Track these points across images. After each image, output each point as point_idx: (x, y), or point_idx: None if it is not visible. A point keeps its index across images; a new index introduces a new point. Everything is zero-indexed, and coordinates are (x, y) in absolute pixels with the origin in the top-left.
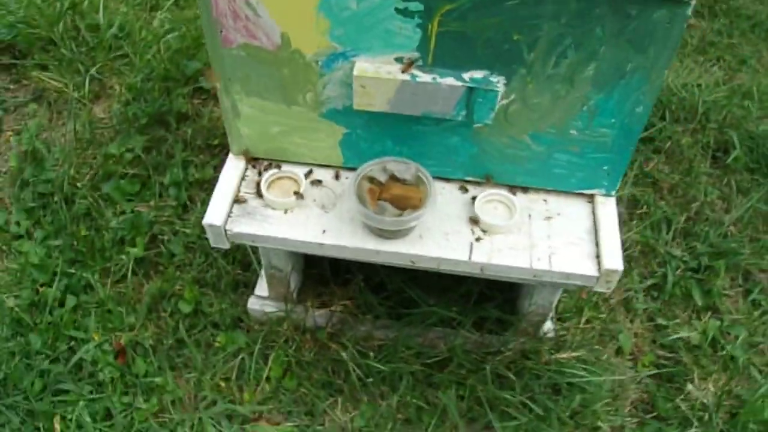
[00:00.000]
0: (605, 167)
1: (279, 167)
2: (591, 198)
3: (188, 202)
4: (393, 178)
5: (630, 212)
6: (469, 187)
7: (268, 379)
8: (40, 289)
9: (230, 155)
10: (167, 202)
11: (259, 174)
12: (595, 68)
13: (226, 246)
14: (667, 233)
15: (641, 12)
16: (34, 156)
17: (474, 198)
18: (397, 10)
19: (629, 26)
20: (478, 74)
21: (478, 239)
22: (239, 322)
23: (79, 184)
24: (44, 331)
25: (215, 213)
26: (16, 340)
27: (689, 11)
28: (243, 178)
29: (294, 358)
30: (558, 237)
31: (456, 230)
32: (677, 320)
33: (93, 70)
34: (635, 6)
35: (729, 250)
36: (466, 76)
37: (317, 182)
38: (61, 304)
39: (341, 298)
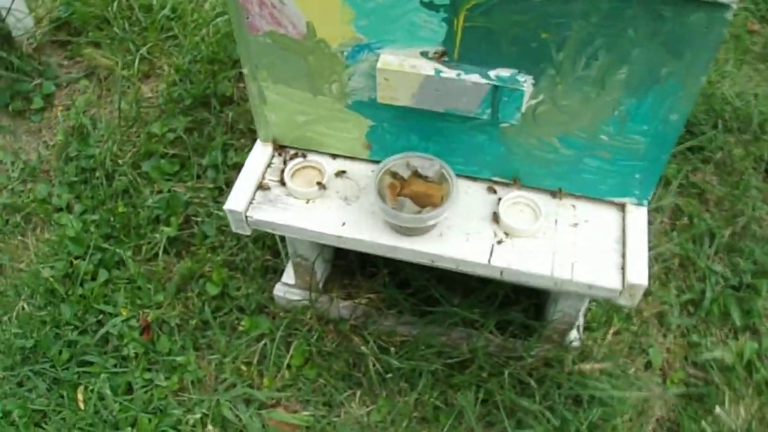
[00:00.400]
0: (637, 175)
1: (305, 156)
2: (622, 207)
3: (225, 186)
4: (416, 174)
5: (672, 223)
6: (497, 188)
7: (288, 366)
8: (75, 262)
9: (258, 142)
10: (204, 183)
11: (284, 162)
12: (628, 71)
13: (247, 232)
14: (710, 247)
15: (676, 14)
16: (80, 131)
17: (500, 199)
18: (422, 3)
19: (663, 29)
20: (504, 72)
21: (499, 242)
22: (264, 307)
23: (120, 161)
24: (75, 303)
25: (237, 199)
26: (47, 309)
27: (729, 15)
28: (269, 165)
29: (316, 347)
30: (583, 245)
31: (477, 231)
32: (712, 338)
33: (143, 50)
34: (670, 8)
35: None
36: (493, 73)
37: (341, 173)
38: (93, 278)
39: (367, 291)
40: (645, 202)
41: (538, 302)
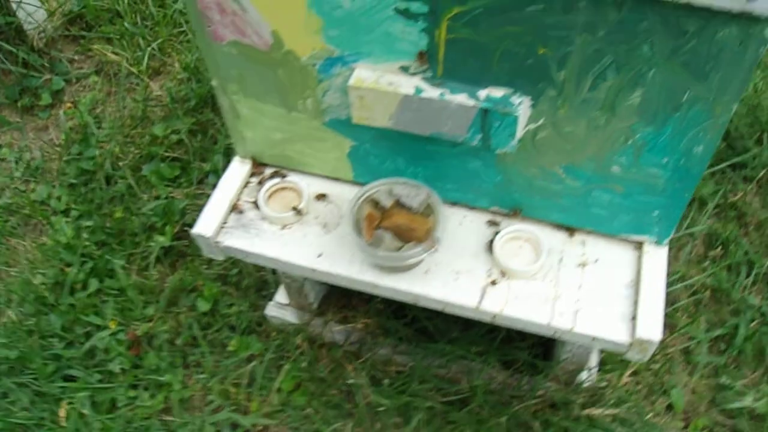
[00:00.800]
0: (655, 212)
1: (283, 176)
2: (639, 245)
3: None
4: (398, 203)
5: (706, 249)
6: (499, 219)
7: (279, 390)
8: (66, 269)
9: (235, 158)
10: (204, 190)
11: (260, 182)
12: (642, 95)
13: (220, 257)
14: (747, 277)
15: (702, 29)
16: (83, 131)
17: (497, 233)
18: (397, 10)
19: (685, 46)
20: (497, 92)
21: (493, 283)
22: (257, 326)
23: (121, 163)
24: (64, 313)
25: (207, 222)
26: (35, 318)
27: (760, 32)
28: (246, 185)
29: (307, 372)
30: (590, 289)
31: (469, 269)
32: (744, 381)
33: (154, 45)
34: (694, 21)
35: None
36: (482, 93)
37: (322, 197)
38: (84, 287)
39: (363, 316)
40: (665, 242)
41: (543, 339)
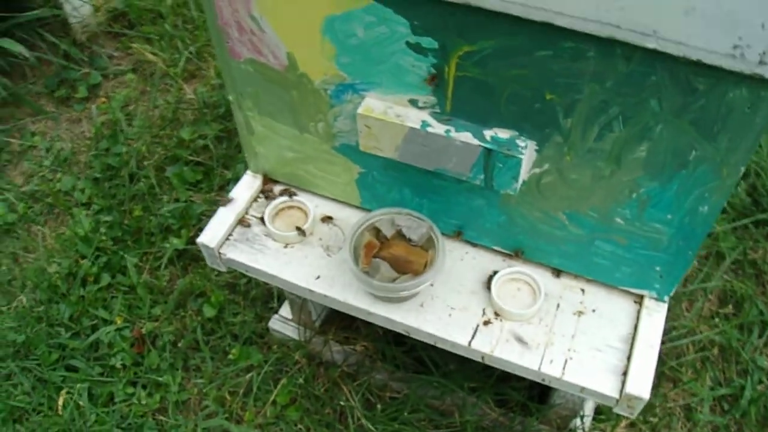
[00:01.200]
0: (657, 268)
1: (292, 196)
2: (639, 299)
3: None
4: (400, 234)
5: (719, 305)
6: (499, 258)
7: (273, 403)
8: (80, 261)
9: (248, 172)
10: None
11: (268, 198)
12: (648, 150)
13: (222, 269)
14: (759, 338)
15: (711, 88)
16: (113, 127)
17: (495, 272)
18: (408, 44)
19: (694, 104)
20: (503, 134)
21: (486, 322)
22: (259, 338)
23: (146, 163)
24: (73, 304)
25: (212, 232)
26: (45, 306)
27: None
28: (256, 199)
29: (303, 389)
30: (584, 338)
31: (464, 307)
32: None
33: (192, 49)
34: (703, 79)
35: None
36: (488, 133)
37: (328, 219)
38: (96, 280)
39: (364, 338)
40: (666, 299)
41: None
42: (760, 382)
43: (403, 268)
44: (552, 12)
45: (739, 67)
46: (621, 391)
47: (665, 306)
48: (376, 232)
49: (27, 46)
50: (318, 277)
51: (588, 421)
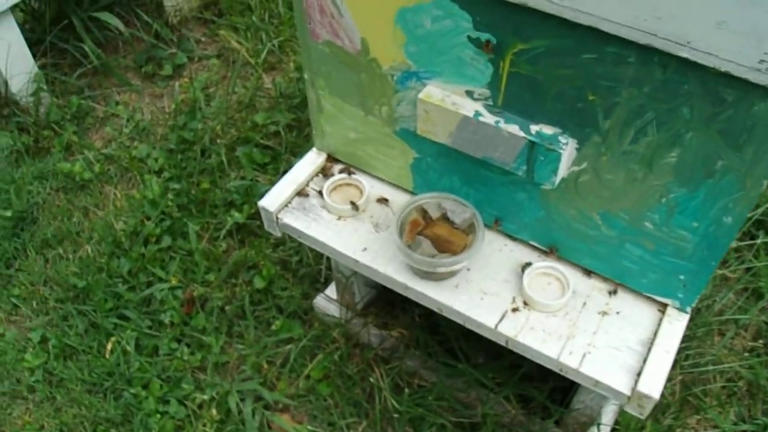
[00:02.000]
0: (681, 276)
1: (351, 173)
2: (663, 308)
3: None
4: (444, 217)
5: (753, 339)
6: (537, 254)
7: (307, 377)
8: (146, 222)
9: (313, 149)
10: None
11: (326, 176)
12: (679, 156)
13: (277, 234)
14: None
15: (739, 100)
16: (192, 105)
17: (529, 264)
18: (469, 38)
19: (722, 114)
20: (547, 129)
21: (514, 309)
22: (303, 314)
23: (219, 141)
24: (134, 260)
25: (273, 198)
26: (109, 257)
27: None
28: (317, 174)
29: (337, 366)
30: (604, 337)
31: (496, 292)
32: None
33: (275, 42)
34: (732, 91)
35: None
36: (534, 128)
37: (383, 200)
38: (158, 241)
39: (401, 325)
40: (688, 309)
41: (565, 385)
42: None
43: (444, 248)
44: (598, 17)
45: (764, 81)
46: (633, 389)
47: (686, 316)
48: (423, 212)
49: (123, 21)
50: (365, 249)
51: (606, 430)
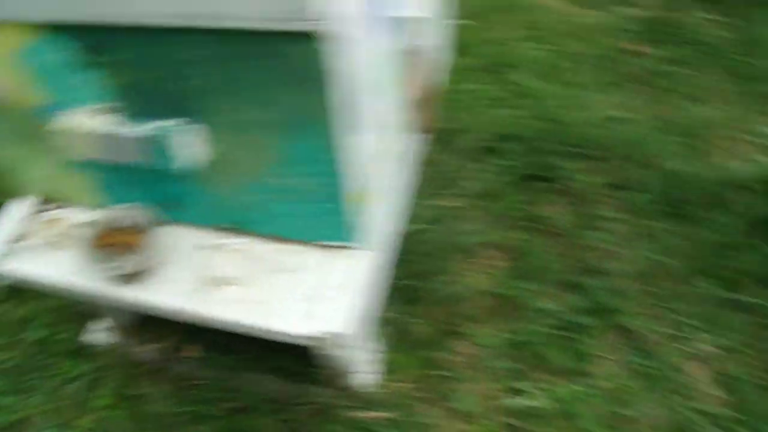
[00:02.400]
0: (326, 217)
1: (58, 208)
2: (342, 250)
3: None
4: (120, 224)
5: (510, 259)
6: (217, 234)
7: (103, 407)
8: None
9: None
10: None
11: (34, 215)
12: (262, 114)
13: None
14: (542, 285)
15: (280, 49)
16: None
17: (214, 246)
18: (81, 62)
19: (254, 67)
20: (169, 123)
21: (204, 288)
22: (83, 350)
23: None
24: None
25: None
26: None
27: (317, 45)
28: (29, 218)
29: (123, 390)
30: (288, 291)
31: (182, 278)
32: (541, 384)
33: None
34: (270, 42)
35: (612, 307)
36: (157, 125)
37: (82, 224)
38: None
39: (174, 332)
40: (360, 246)
41: None
42: (548, 325)
43: (123, 252)
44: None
45: (287, 27)
46: (314, 330)
47: (367, 253)
48: (100, 226)
49: None
50: (69, 273)
51: (368, 377)
